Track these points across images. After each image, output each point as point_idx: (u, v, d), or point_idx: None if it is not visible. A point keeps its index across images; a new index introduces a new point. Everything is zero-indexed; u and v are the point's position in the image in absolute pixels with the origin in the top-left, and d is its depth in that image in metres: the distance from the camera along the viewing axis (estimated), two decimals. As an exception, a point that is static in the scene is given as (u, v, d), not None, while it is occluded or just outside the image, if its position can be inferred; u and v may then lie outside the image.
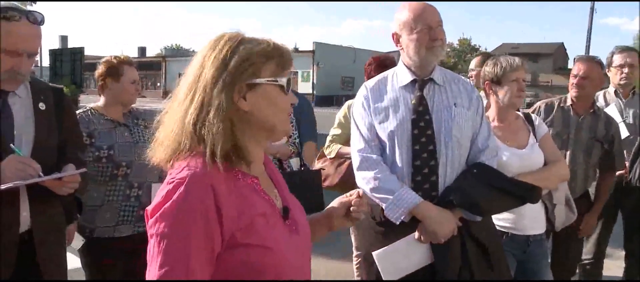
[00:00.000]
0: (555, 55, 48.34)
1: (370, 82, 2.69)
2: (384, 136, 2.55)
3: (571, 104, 3.74)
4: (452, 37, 61.61)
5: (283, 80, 1.46)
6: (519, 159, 2.84)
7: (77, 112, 3.17)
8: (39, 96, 2.38)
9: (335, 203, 1.80)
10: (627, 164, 3.89)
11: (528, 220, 2.90)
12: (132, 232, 3.15)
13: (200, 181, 1.32)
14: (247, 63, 1.40)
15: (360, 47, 53.02)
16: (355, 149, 2.60)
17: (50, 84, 2.52)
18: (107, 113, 3.23)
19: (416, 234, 2.48)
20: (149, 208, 1.33)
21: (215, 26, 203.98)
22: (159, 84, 57.33)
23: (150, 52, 76.25)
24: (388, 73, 2.71)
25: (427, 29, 2.49)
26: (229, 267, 1.34)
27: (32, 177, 2.15)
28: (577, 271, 4.19)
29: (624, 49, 4.31)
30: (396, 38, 2.61)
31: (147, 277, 1.29)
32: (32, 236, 2.30)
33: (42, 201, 2.32)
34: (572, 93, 3.73)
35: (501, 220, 2.84)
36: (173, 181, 1.32)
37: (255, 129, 1.44)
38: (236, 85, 1.39)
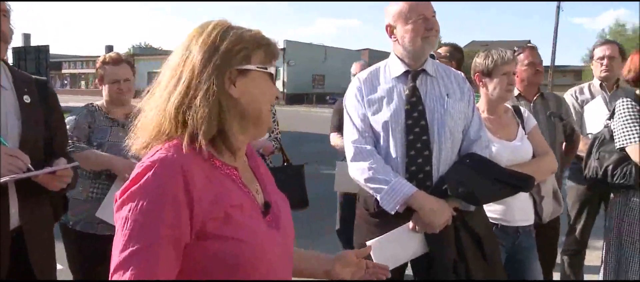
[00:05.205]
0: (521, 53, 48.99)
1: (363, 74, 2.69)
2: (377, 127, 2.55)
3: (519, 93, 3.84)
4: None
5: (272, 69, 1.44)
6: (509, 151, 2.85)
7: (83, 105, 3.20)
8: (22, 89, 2.27)
9: (348, 254, 1.75)
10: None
11: (517, 211, 2.91)
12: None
13: (171, 163, 1.26)
14: (239, 47, 1.37)
15: (332, 45, 53.12)
16: (349, 141, 2.59)
17: (33, 76, 2.42)
18: (108, 111, 3.21)
19: (411, 224, 2.48)
20: (118, 192, 1.27)
21: (185, 25, 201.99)
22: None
23: (118, 50, 74.96)
24: (380, 65, 2.72)
25: (422, 19, 2.50)
26: (201, 259, 1.28)
27: (21, 170, 2.06)
28: (561, 260, 4.25)
29: (605, 42, 4.41)
30: (390, 30, 2.62)
31: (111, 263, 1.21)
32: (22, 233, 2.21)
33: (31, 197, 2.22)
34: (523, 81, 3.84)
35: (491, 211, 2.85)
36: (143, 164, 1.27)
37: (241, 117, 1.39)
38: (227, 69, 1.35)
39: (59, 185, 2.23)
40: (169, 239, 1.22)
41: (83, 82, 67.80)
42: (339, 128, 4.96)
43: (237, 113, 1.37)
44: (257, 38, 1.41)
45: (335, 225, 5.19)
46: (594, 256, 4.48)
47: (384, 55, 2.78)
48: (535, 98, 3.88)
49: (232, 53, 1.35)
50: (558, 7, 33.71)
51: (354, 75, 5.01)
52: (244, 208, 1.35)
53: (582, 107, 4.24)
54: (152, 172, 1.24)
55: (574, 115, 4.19)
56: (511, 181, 2.48)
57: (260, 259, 1.33)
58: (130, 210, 1.22)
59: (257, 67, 1.39)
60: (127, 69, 3.25)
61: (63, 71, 69.10)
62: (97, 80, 3.28)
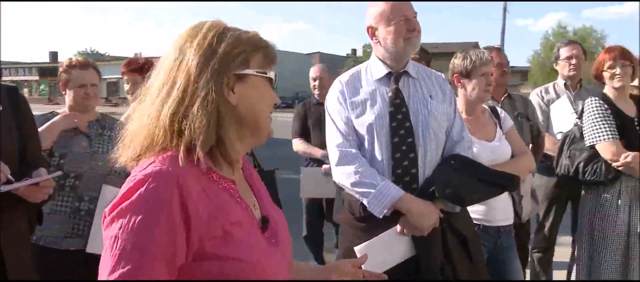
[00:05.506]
0: (471, 55, 50.25)
1: (344, 77, 2.64)
2: (362, 130, 2.51)
3: None
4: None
5: (272, 74, 1.36)
6: (489, 151, 2.86)
7: (40, 113, 3.02)
8: None
9: (343, 263, 1.70)
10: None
11: (498, 211, 2.92)
12: (84, 246, 2.94)
13: (167, 178, 1.16)
14: (238, 50, 1.29)
15: (281, 49, 52.98)
16: (333, 144, 2.54)
17: (2, 83, 2.28)
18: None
19: (398, 227, 2.44)
20: (107, 208, 1.18)
21: (131, 30, 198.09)
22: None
23: (63, 57, 72.79)
24: (361, 67, 2.69)
25: (404, 20, 2.48)
26: (199, 280, 1.20)
27: (1, 182, 1.93)
28: (530, 258, 4.31)
29: (570, 42, 4.52)
30: (371, 31, 2.58)
31: None
32: (0, 249, 2.08)
33: (7, 211, 2.09)
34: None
35: (473, 212, 2.85)
36: (135, 178, 1.17)
37: (239, 126, 1.30)
38: (226, 74, 1.26)
39: (41, 197, 2.13)
40: (163, 261, 1.13)
41: (26, 89, 65.47)
42: (301, 133, 4.92)
43: (235, 121, 1.29)
44: (255, 40, 1.33)
45: (301, 231, 5.13)
46: (559, 252, 4.56)
47: (334, 58, 2.76)
48: (503, 99, 3.94)
49: (230, 57, 1.27)
50: (504, 8, 34.65)
51: (315, 79, 4.97)
52: (243, 225, 1.27)
53: (547, 106, 4.33)
54: (145, 187, 1.15)
55: (540, 114, 4.27)
56: (498, 181, 2.48)
57: (261, 278, 1.26)
58: (121, 228, 1.12)
59: (256, 72, 1.32)
60: (94, 74, 3.13)
61: (3, 78, 66.37)
62: (60, 85, 3.13)
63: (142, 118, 1.27)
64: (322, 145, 4.67)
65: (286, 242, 1.45)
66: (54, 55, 69.10)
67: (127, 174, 3.24)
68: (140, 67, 3.96)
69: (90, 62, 3.17)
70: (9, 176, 1.96)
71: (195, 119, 1.21)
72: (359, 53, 59.77)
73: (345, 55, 62.95)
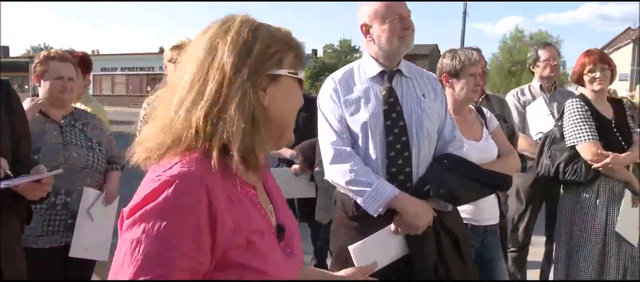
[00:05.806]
0: (431, 56, 50.94)
1: (337, 75, 2.61)
2: (355, 128, 2.49)
3: None
4: (333, 38, 62.89)
5: (302, 75, 1.32)
6: (478, 151, 2.87)
7: None
8: None
9: (353, 271, 1.66)
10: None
11: (486, 211, 2.94)
12: (59, 243, 2.85)
13: (194, 181, 1.10)
14: (272, 49, 1.23)
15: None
16: (327, 143, 2.50)
17: None
18: (45, 109, 2.98)
19: (392, 226, 2.42)
20: (126, 209, 1.11)
21: (85, 28, 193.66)
22: (26, 86, 53.05)
23: (15, 52, 70.48)
24: (353, 65, 2.66)
25: (398, 18, 2.46)
26: None
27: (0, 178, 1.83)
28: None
29: (546, 45, 4.61)
30: (365, 29, 2.56)
31: None
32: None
33: (6, 210, 2.00)
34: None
35: (461, 212, 2.85)
36: (160, 179, 1.10)
37: (269, 129, 1.24)
38: (261, 74, 1.21)
39: (40, 194, 2.05)
40: (187, 271, 1.09)
41: (-25, 86, 62.99)
42: None
43: (265, 124, 1.22)
44: (288, 39, 1.29)
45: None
46: (532, 251, 4.63)
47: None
48: (480, 100, 3.97)
49: (265, 56, 1.22)
50: (464, 11, 35.26)
51: None
52: (263, 234, 1.23)
53: (523, 107, 4.38)
54: (172, 189, 1.09)
55: (516, 115, 4.33)
56: (491, 181, 2.49)
57: None
58: (144, 232, 1.06)
59: (288, 73, 1.27)
60: (71, 68, 3.06)
61: (-49, 75, 63.81)
62: (34, 77, 3.03)
63: (168, 116, 1.20)
64: (291, 145, 4.66)
65: (299, 252, 1.40)
66: (5, 50, 66.79)
67: (104, 170, 3.12)
68: (79, 61, 3.87)
69: (68, 56, 3.10)
70: (8, 170, 1.87)
71: (232, 121, 1.15)
72: (320, 53, 59.89)
73: (306, 55, 62.83)
